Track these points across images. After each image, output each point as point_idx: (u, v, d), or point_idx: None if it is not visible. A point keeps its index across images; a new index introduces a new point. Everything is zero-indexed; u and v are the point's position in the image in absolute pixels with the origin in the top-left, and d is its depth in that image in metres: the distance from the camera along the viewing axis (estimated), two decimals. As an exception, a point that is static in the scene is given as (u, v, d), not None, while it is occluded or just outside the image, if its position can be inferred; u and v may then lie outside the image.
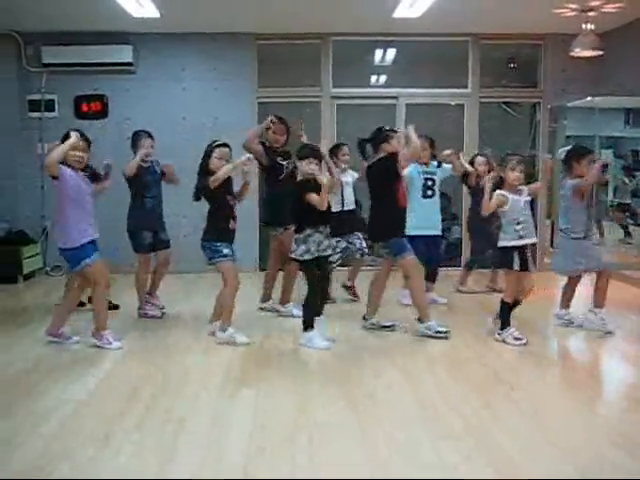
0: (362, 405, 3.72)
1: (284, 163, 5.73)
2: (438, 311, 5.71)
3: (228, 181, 4.94)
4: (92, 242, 4.77)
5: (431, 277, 6.14)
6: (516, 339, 4.83)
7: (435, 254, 6.24)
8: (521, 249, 4.83)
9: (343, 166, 6.19)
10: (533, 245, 4.87)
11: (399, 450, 3.13)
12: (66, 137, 4.71)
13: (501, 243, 4.91)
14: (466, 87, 8.43)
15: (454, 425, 3.41)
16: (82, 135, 4.81)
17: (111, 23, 7.43)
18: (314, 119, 8.35)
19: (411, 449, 3.15)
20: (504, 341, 4.85)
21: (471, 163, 6.61)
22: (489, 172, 6.38)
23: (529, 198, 4.92)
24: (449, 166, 6.21)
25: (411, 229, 5.40)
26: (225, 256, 4.90)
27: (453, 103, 8.81)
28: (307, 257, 4.81)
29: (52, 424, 3.42)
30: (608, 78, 7.90)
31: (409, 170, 5.82)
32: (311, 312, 4.91)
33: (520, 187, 4.88)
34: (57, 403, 3.72)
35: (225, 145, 4.98)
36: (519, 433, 3.30)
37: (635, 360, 4.74)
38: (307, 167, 4.83)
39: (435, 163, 6.16)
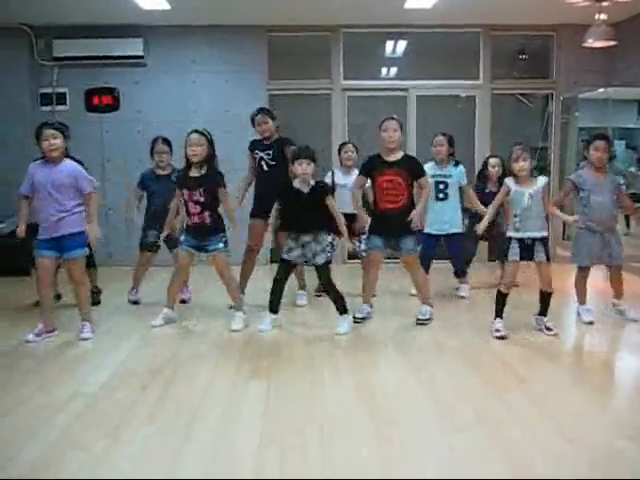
0: (373, 397, 3.72)
1: (258, 154, 5.72)
2: (456, 303, 5.66)
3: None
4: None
5: (459, 274, 6.27)
6: (496, 331, 4.85)
7: (454, 252, 6.28)
8: (522, 240, 4.79)
9: (349, 163, 6.12)
10: (543, 239, 4.78)
11: (410, 442, 3.12)
12: (39, 133, 4.83)
13: (507, 233, 4.91)
14: (477, 79, 8.39)
15: (466, 417, 3.40)
16: (51, 124, 4.94)
17: (122, 16, 7.44)
18: (325, 111, 8.34)
19: (422, 441, 3.15)
20: (493, 330, 4.88)
21: (484, 164, 6.55)
22: (503, 175, 6.35)
23: (534, 191, 4.77)
24: (463, 170, 6.14)
25: (427, 227, 5.77)
26: (180, 244, 5.25)
27: (464, 95, 8.77)
28: (283, 256, 5.07)
29: (65, 416, 3.43)
30: (621, 69, 7.84)
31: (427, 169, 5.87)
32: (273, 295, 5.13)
33: (533, 178, 4.81)
34: (69, 395, 3.73)
35: (198, 132, 5.08)
36: (531, 425, 3.29)
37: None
38: (299, 168, 4.89)
39: (452, 163, 6.11)
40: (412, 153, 7.92)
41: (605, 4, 6.29)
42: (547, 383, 3.97)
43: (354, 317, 5.26)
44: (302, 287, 6.07)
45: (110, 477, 2.80)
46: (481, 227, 5.04)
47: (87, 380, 4.04)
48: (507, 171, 5.77)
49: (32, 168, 4.89)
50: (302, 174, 4.90)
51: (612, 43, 6.61)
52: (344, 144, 6.30)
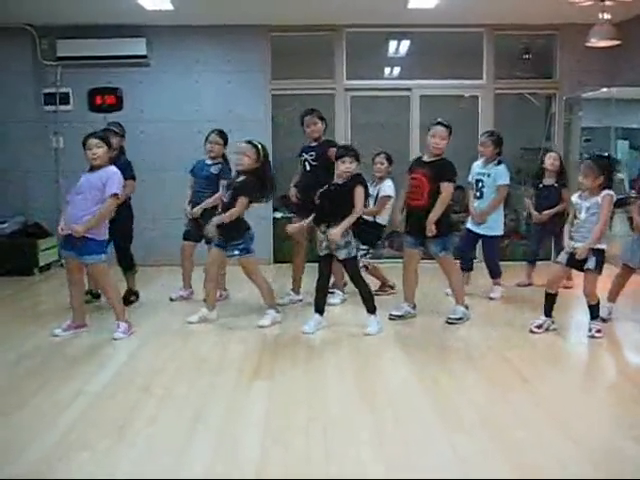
0: (376, 398, 3.72)
1: (303, 156, 5.84)
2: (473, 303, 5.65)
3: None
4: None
5: (494, 275, 6.29)
6: (537, 327, 4.97)
7: (486, 253, 6.35)
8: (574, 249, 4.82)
9: (379, 174, 6.15)
10: (593, 250, 4.75)
11: (413, 443, 3.12)
12: (85, 142, 4.92)
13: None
14: (481, 78, 8.38)
15: (469, 418, 3.40)
16: (94, 133, 5.06)
17: (125, 16, 7.44)
18: (327, 111, 8.33)
19: (425, 442, 3.14)
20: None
21: (542, 158, 6.63)
22: (561, 170, 6.38)
23: (591, 204, 4.75)
24: (503, 170, 6.12)
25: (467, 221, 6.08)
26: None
27: (467, 95, 8.76)
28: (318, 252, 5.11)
29: (68, 416, 3.44)
30: (625, 69, 7.82)
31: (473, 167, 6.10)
32: (318, 297, 5.15)
33: (600, 192, 4.74)
34: (72, 395, 3.73)
35: (247, 142, 5.23)
36: (535, 427, 3.29)
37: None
38: (342, 165, 4.95)
39: (496, 162, 6.11)
40: (415, 153, 7.98)
41: (608, 3, 6.26)
42: (551, 384, 3.97)
43: (390, 314, 5.34)
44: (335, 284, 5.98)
45: (113, 477, 2.80)
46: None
47: (93, 378, 4.05)
48: (564, 168, 6.30)
49: (82, 180, 4.98)
50: (344, 171, 4.95)
51: (616, 43, 6.58)
52: (378, 154, 6.20)
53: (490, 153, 6.11)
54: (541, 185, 6.51)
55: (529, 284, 6.64)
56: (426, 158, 5.28)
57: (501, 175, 6.07)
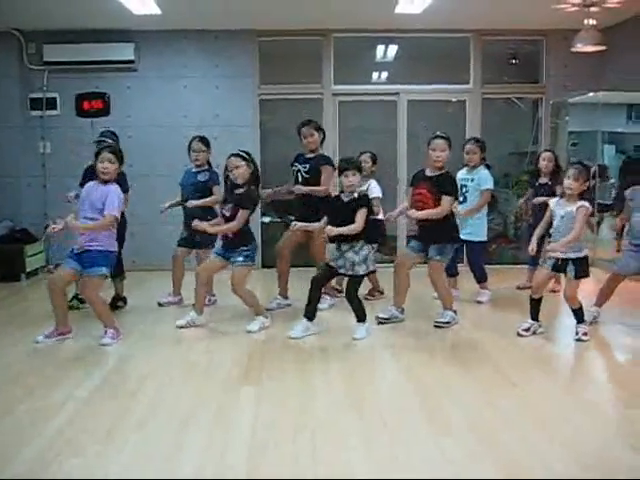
0: (364, 402, 3.72)
1: (296, 167, 5.86)
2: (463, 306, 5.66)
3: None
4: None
5: (480, 280, 6.30)
6: (524, 330, 4.99)
7: (470, 258, 6.37)
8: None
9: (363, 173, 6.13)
10: (573, 259, 4.78)
11: (402, 447, 3.13)
12: (98, 153, 5.01)
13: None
14: (468, 83, 8.42)
15: (457, 422, 3.41)
16: (110, 147, 5.18)
17: (112, 21, 7.43)
18: (315, 116, 8.34)
19: (414, 446, 3.15)
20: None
21: (537, 158, 6.65)
22: (556, 169, 6.40)
23: (566, 213, 4.77)
24: (487, 175, 6.15)
25: None
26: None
27: (455, 99, 8.79)
28: (330, 262, 5.13)
29: (56, 422, 3.42)
30: (610, 74, 7.89)
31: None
32: (310, 303, 5.12)
33: (577, 202, 4.75)
34: (61, 401, 3.72)
35: (233, 155, 5.24)
36: (523, 430, 3.30)
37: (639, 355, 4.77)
38: (345, 180, 4.96)
39: (481, 167, 6.15)
40: (402, 157, 8.00)
41: (594, 9, 6.33)
42: (539, 387, 3.99)
43: (377, 317, 5.39)
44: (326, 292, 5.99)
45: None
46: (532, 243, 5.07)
47: (81, 384, 4.02)
48: (560, 167, 6.26)
49: (86, 187, 5.06)
50: (348, 186, 4.96)
51: (601, 48, 6.65)
52: (362, 153, 6.17)
53: (477, 160, 6.14)
54: (537, 183, 6.55)
55: (530, 287, 6.62)
56: (429, 172, 5.28)
57: (485, 180, 6.10)
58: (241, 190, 5.20)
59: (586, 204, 4.77)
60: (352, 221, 4.89)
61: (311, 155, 5.84)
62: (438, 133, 5.30)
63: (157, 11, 6.97)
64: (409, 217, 5.25)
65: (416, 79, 8.54)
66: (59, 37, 7.82)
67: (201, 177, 5.95)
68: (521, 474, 2.85)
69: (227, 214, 5.22)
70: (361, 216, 4.91)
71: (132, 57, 7.93)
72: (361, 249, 4.97)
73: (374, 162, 6.20)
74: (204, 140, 6.05)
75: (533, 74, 8.65)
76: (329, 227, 4.90)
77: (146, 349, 4.82)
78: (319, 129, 5.90)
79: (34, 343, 4.83)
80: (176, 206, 6.08)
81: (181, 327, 5.26)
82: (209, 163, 6.06)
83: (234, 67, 8.16)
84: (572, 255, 4.77)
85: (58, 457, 3.00)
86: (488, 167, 6.23)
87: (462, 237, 5.98)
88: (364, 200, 5.04)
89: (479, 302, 6.19)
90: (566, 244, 4.70)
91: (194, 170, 6.02)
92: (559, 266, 4.85)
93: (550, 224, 4.95)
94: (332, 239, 5.04)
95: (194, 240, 5.88)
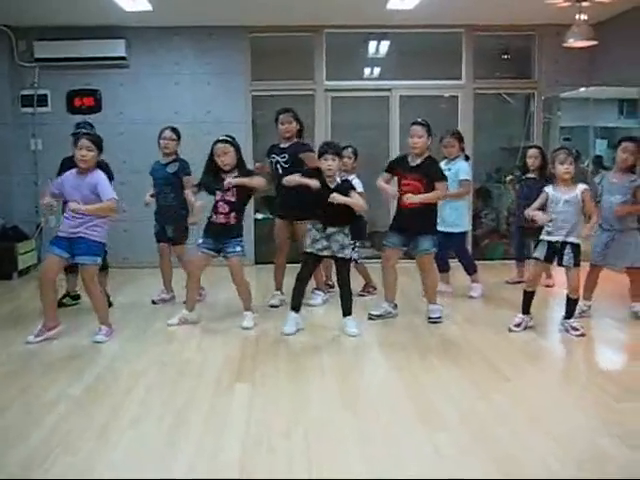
0: (357, 399, 3.73)
1: (275, 158, 5.76)
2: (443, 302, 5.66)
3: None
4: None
5: (468, 271, 6.32)
6: (515, 325, 4.98)
7: (456, 251, 6.34)
8: (551, 243, 4.85)
9: (344, 168, 6.07)
10: (572, 244, 4.81)
11: (396, 443, 3.14)
12: (76, 140, 4.91)
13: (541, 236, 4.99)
14: (460, 78, 8.42)
15: (450, 417, 3.42)
16: (89, 134, 5.05)
17: (103, 17, 7.39)
18: (308, 112, 8.34)
19: (408, 442, 3.15)
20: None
21: (524, 154, 6.69)
22: (543, 165, 6.42)
23: (570, 197, 4.79)
24: (464, 165, 6.18)
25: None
26: (197, 245, 5.24)
27: (447, 95, 8.80)
28: (305, 249, 5.02)
29: (48, 421, 3.41)
30: (601, 69, 7.90)
31: None
32: (297, 295, 5.11)
33: (573, 184, 4.81)
34: (53, 400, 3.71)
35: (221, 141, 5.13)
36: (516, 425, 3.31)
37: (630, 349, 4.79)
38: (324, 164, 4.95)
39: (460, 158, 6.17)
40: (395, 153, 7.99)
41: (585, 4, 6.32)
42: (532, 383, 4.00)
43: (369, 314, 5.38)
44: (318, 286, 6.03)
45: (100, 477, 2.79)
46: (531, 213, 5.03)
47: (74, 382, 4.01)
48: (547, 162, 6.19)
49: (66, 175, 4.97)
50: (327, 169, 4.95)
51: (593, 43, 6.64)
52: (345, 148, 5.98)
53: (455, 152, 6.17)
54: (524, 177, 6.57)
55: (519, 281, 6.65)
56: (412, 161, 5.25)
57: (463, 170, 6.12)
58: (236, 173, 5.13)
59: (586, 186, 4.86)
60: (338, 208, 4.90)
61: (287, 144, 5.76)
62: (416, 119, 5.29)
63: (148, 8, 6.93)
64: (406, 201, 5.16)
65: (408, 75, 8.52)
66: (50, 34, 7.78)
67: (170, 169, 5.91)
68: (514, 468, 2.86)
69: (232, 199, 5.13)
70: (357, 196, 4.99)
71: (124, 54, 7.90)
72: (348, 235, 5.02)
73: (355, 157, 6.20)
74: (175, 130, 6.04)
75: (525, 69, 8.66)
76: (334, 195, 4.87)
77: (138, 347, 4.81)
78: (297, 119, 5.82)
79: (25, 344, 4.78)
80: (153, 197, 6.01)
81: (172, 325, 5.25)
82: (176, 153, 6.02)
83: (226, 63, 8.14)
84: (572, 239, 4.79)
85: (51, 455, 3.00)
86: (467, 158, 6.30)
87: (444, 230, 5.98)
88: (349, 183, 5.11)
89: (471, 297, 6.21)
90: (594, 225, 4.84)
91: (163, 162, 5.97)
92: (552, 253, 4.86)
93: (542, 206, 4.95)
94: (323, 220, 5.00)
95: (166, 234, 5.89)
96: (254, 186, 5.14)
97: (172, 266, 6.06)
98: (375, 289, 6.28)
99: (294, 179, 5.07)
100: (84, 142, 4.86)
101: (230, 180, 5.00)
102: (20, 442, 3.15)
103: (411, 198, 5.12)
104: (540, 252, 4.94)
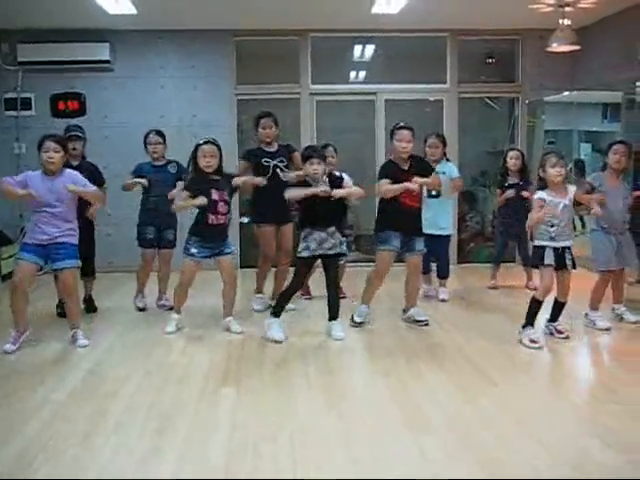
0: (343, 403, 3.72)
1: (270, 162, 5.69)
2: (428, 307, 5.67)
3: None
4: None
5: (443, 276, 6.37)
6: (532, 342, 4.73)
7: (440, 253, 6.32)
8: (556, 249, 4.76)
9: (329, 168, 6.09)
10: (570, 247, 4.80)
11: (381, 448, 3.13)
12: (41, 143, 4.79)
13: (535, 243, 4.87)
14: (445, 83, 8.46)
15: (437, 421, 3.42)
16: (54, 136, 4.92)
17: (87, 20, 7.36)
18: (293, 116, 8.34)
19: (393, 447, 3.14)
20: (520, 341, 4.80)
21: (504, 158, 6.72)
22: (523, 168, 6.52)
23: (569, 200, 4.75)
24: (454, 166, 6.36)
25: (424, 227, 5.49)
26: (189, 255, 5.11)
27: (432, 99, 8.83)
28: (304, 254, 4.94)
29: (32, 426, 3.38)
30: (585, 73, 7.97)
31: None
32: (285, 301, 5.09)
33: (566, 186, 4.80)
34: (36, 405, 3.68)
35: (208, 143, 5.10)
36: (502, 429, 3.32)
37: (615, 352, 4.82)
38: (310, 168, 4.94)
39: (445, 160, 6.24)
40: (381, 157, 8.00)
41: (568, 10, 6.38)
42: (519, 387, 4.00)
43: (353, 321, 5.33)
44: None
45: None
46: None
47: (57, 387, 3.98)
48: (527, 165, 6.47)
49: (30, 177, 4.84)
50: (313, 173, 4.94)
51: (576, 47, 6.70)
52: (325, 146, 5.94)
53: (440, 154, 6.22)
54: (506, 184, 6.60)
55: (495, 286, 6.71)
56: (402, 165, 5.22)
57: (454, 170, 6.30)
58: (219, 175, 5.12)
59: (574, 186, 4.90)
60: (336, 205, 4.98)
61: (274, 148, 5.73)
62: (402, 124, 5.28)
63: (133, 11, 6.92)
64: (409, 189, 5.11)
65: (393, 79, 8.56)
66: (33, 36, 7.74)
67: (171, 169, 5.88)
68: (501, 472, 2.86)
69: (228, 199, 5.13)
70: (352, 185, 5.15)
71: (108, 57, 7.87)
72: (342, 232, 5.14)
73: (336, 154, 6.15)
74: (161, 133, 6.02)
75: (509, 73, 8.71)
76: (335, 190, 4.90)
77: (123, 351, 4.78)
78: (277, 123, 5.77)
79: (3, 353, 4.69)
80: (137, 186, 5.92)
81: (170, 333, 5.19)
82: (164, 156, 6.00)
83: (211, 67, 8.13)
84: (569, 243, 4.80)
85: (35, 460, 2.97)
86: (448, 161, 6.36)
87: (434, 232, 5.99)
88: (337, 177, 5.17)
89: (443, 300, 6.25)
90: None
91: (158, 164, 5.92)
92: (563, 261, 4.76)
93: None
94: (312, 223, 4.96)
95: (164, 239, 5.87)
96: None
97: (151, 269, 6.02)
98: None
99: (299, 194, 4.97)
100: (50, 144, 4.77)
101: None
102: (3, 447, 3.12)
103: (418, 180, 5.12)
104: (550, 259, 4.74)
